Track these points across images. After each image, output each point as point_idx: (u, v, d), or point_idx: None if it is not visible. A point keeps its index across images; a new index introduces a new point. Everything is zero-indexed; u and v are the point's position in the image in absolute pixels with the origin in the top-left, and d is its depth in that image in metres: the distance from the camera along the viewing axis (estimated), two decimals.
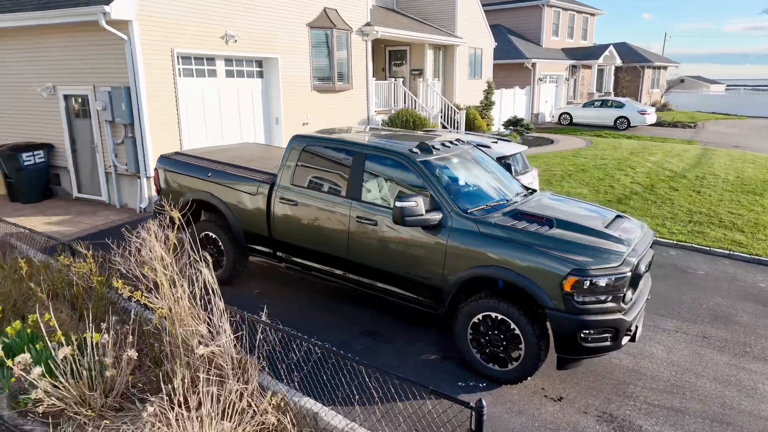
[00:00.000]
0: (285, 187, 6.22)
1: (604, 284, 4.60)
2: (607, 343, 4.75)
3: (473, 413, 3.10)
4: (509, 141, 9.68)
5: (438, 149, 5.82)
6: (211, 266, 4.70)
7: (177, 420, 3.97)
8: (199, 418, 4.09)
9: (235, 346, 4.76)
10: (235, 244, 6.75)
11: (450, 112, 19.66)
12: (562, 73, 31.89)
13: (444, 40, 20.52)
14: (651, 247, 5.53)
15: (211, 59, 11.52)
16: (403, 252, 5.41)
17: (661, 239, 9.41)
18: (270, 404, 4.53)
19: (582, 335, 4.65)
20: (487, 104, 22.54)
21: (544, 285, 4.67)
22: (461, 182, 5.73)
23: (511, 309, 4.82)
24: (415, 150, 5.62)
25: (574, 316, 4.61)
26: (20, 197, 11.09)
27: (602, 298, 4.65)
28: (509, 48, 28.75)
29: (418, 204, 4.99)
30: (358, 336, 5.96)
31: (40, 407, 4.37)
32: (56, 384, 4.39)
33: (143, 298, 4.65)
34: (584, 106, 29.34)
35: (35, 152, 11.02)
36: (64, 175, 11.60)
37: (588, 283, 4.55)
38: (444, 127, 19.56)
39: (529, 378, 5.06)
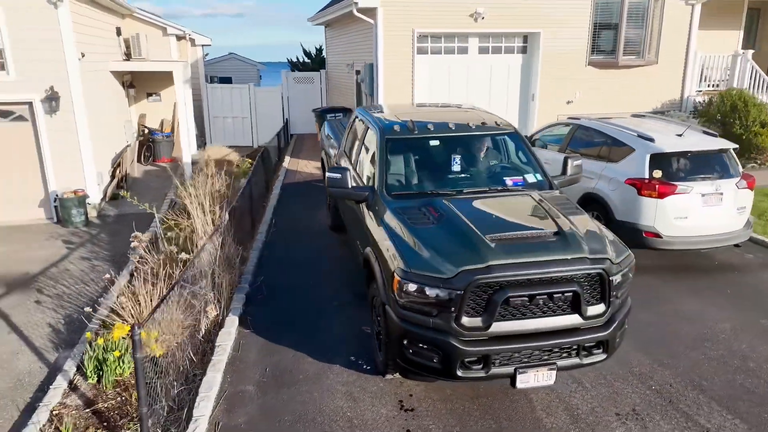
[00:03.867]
0: (340, 151, 7.06)
1: (433, 295, 3.95)
2: (436, 365, 4.05)
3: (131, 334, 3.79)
4: (712, 136, 7.21)
5: (429, 129, 5.54)
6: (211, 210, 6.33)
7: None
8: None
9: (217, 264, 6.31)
10: (331, 196, 7.98)
11: None
12: None
13: None
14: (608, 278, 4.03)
15: (463, 36, 12.28)
16: (354, 222, 5.64)
17: None
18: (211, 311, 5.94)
19: (404, 343, 4.15)
20: None
21: (386, 278, 4.33)
22: (418, 166, 5.37)
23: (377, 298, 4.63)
24: (395, 127, 5.60)
25: (398, 320, 4.15)
26: None
27: (427, 310, 3.99)
28: None
29: (343, 176, 5.19)
30: (349, 296, 6.46)
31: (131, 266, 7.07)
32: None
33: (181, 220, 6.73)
34: None
35: (336, 114, 14.43)
36: None
37: (409, 287, 4.00)
38: None
39: (389, 376, 4.73)
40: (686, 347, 5.35)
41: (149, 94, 16.80)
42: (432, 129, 5.57)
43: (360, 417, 4.42)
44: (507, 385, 4.64)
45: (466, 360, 3.99)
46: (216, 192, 7.84)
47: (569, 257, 3.99)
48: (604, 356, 4.22)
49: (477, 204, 4.80)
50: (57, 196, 10.19)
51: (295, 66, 21.88)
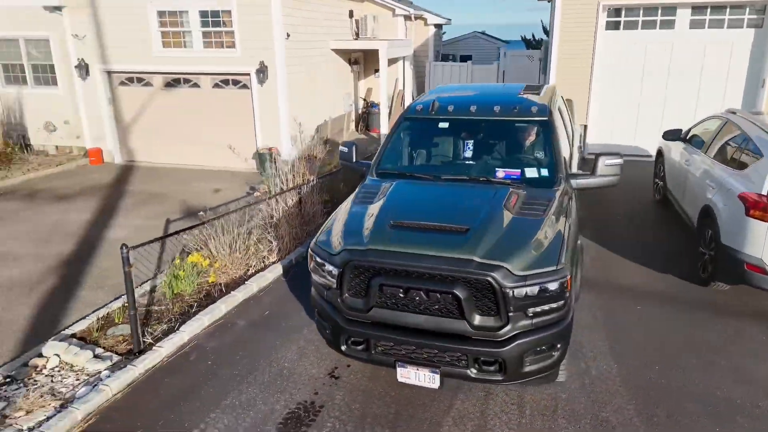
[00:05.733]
0: None
1: (328, 270, 4.08)
2: (329, 337, 4.22)
3: None
4: None
5: (448, 111, 5.28)
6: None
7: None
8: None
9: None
10: None
11: None
12: None
13: None
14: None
15: (669, 9, 10.39)
16: None
17: None
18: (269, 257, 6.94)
19: (316, 312, 4.37)
20: None
21: None
22: (422, 147, 5.17)
23: None
24: (418, 107, 5.50)
25: (313, 291, 4.40)
26: None
27: (325, 283, 4.13)
28: None
29: (350, 150, 5.44)
30: None
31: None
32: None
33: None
34: None
35: None
36: None
37: (316, 259, 4.19)
38: None
39: None
40: (706, 416, 4.12)
41: (376, 71, 18.60)
42: (451, 111, 5.32)
43: (291, 370, 4.81)
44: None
45: (350, 339, 4.03)
46: (319, 161, 8.84)
47: (454, 256, 3.61)
48: (499, 377, 3.70)
49: (432, 190, 4.56)
50: (257, 150, 12.54)
51: (528, 44, 21.20)
